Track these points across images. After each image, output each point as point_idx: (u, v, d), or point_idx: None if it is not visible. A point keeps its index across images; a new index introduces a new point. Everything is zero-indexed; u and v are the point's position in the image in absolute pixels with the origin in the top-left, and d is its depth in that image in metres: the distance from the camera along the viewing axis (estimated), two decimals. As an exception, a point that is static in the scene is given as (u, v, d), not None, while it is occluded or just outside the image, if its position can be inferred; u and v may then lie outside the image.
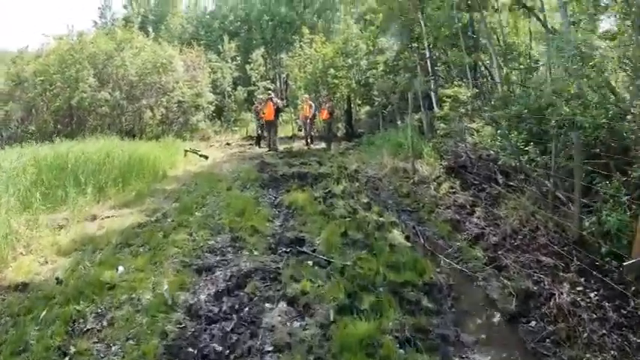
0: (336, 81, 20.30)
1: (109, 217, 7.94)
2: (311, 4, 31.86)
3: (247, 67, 24.42)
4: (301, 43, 21.76)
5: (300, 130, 18.74)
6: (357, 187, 9.88)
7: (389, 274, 5.26)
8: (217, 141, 21.66)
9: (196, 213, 7.96)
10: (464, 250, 6.26)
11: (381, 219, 7.55)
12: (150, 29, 31.51)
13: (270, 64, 30.58)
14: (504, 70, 11.30)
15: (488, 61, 13.44)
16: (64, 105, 21.96)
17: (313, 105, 17.64)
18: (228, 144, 19.31)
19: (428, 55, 14.97)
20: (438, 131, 12.13)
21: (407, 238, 6.87)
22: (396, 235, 6.90)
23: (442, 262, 5.96)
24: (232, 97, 25.74)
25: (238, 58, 27.87)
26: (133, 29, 24.70)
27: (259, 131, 17.32)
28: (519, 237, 6.21)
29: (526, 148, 7.25)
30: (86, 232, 6.93)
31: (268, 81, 23.92)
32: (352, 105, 20.80)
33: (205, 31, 33.26)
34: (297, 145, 18.36)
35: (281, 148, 17.01)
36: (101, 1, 40.44)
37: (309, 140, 17.72)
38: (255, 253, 6.12)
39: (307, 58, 21.22)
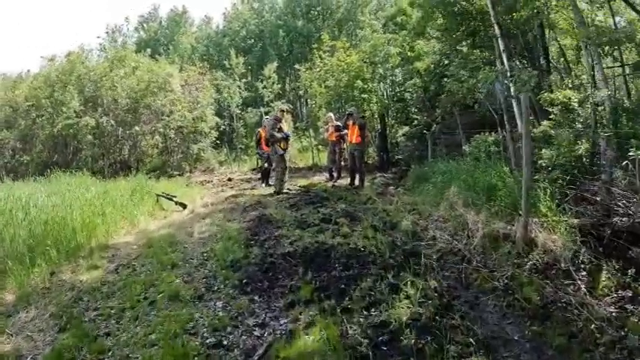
0: (364, 95, 15.50)
1: None
2: (330, 16, 27.28)
3: (259, 85, 19.64)
4: (320, 53, 16.94)
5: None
6: (439, 300, 4.65)
7: None
8: (221, 174, 17.04)
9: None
10: None
11: None
12: (161, 50, 27.57)
13: (287, 81, 26.03)
14: None
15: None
16: (54, 132, 18.36)
17: (337, 124, 12.75)
18: (229, 179, 14.55)
19: (502, 47, 10.02)
20: (542, 161, 7.25)
21: None
22: None
23: None
24: (241, 120, 21.06)
25: (249, 77, 23.51)
26: (127, 47, 20.47)
27: (265, 165, 12.37)
28: None
29: None
30: None
31: (283, 100, 19.00)
32: (387, 125, 15.80)
33: (216, 49, 29.03)
34: (318, 179, 13.50)
35: (296, 185, 12.26)
36: (110, 26, 37.11)
37: (334, 174, 12.78)
38: None
39: (328, 70, 16.42)
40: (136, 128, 18.45)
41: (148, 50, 21.69)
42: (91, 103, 19.03)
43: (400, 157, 15.12)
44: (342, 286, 4.93)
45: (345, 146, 12.60)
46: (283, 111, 10.89)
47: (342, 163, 12.92)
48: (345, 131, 12.25)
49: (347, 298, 4.64)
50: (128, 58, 20.05)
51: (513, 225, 5.84)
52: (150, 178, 16.72)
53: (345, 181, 12.41)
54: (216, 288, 5.17)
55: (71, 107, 18.39)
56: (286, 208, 8.93)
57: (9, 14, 63.36)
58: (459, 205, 7.31)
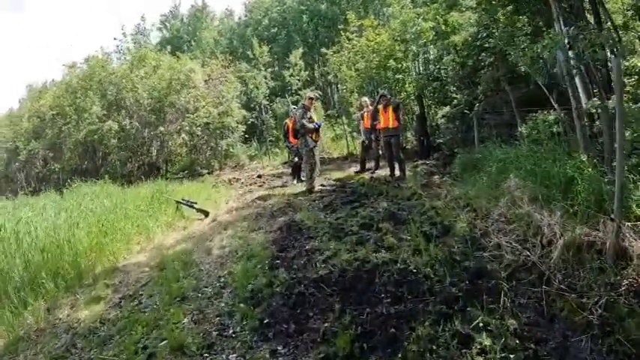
0: (399, 76, 14.11)
1: None
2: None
3: (286, 73, 18.39)
4: (347, 34, 15.57)
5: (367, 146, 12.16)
6: (523, 351, 3.40)
7: None
8: (252, 169, 15.98)
9: None
10: None
11: None
12: (185, 48, 26.72)
13: (315, 67, 24.69)
14: None
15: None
16: (80, 139, 17.69)
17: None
18: (259, 176, 13.43)
19: (557, 11, 8.52)
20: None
21: None
22: None
23: None
24: (269, 112, 19.90)
25: (276, 66, 22.29)
26: (146, 46, 19.57)
27: (295, 158, 11.22)
28: None
29: None
30: None
31: (312, 87, 17.72)
32: (425, 107, 14.36)
33: (240, 42, 27.89)
34: (354, 170, 12.25)
35: (330, 178, 11.05)
36: (127, 26, 36.53)
37: (369, 165, 11.53)
38: None
39: (357, 52, 15.05)
40: (161, 128, 17.52)
41: (168, 47, 20.73)
42: (115, 107, 18.28)
43: (441, 141, 13.67)
44: (392, 330, 3.72)
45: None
46: (312, 98, 9.66)
47: (380, 152, 11.60)
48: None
49: (399, 355, 3.40)
50: (148, 57, 19.12)
51: (598, 230, 4.48)
52: (178, 178, 16.01)
53: (383, 172, 11.15)
54: (230, 331, 4.10)
55: (93, 113, 17.66)
56: (319, 210, 7.78)
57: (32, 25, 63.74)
58: (524, 202, 5.97)
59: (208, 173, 16.52)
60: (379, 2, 23.84)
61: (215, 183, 13.40)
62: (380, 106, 10.30)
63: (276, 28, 27.30)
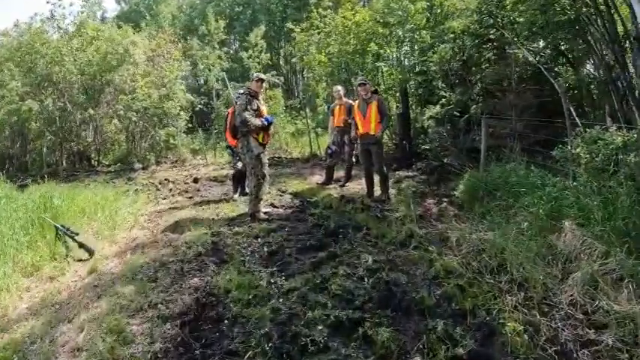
0: (380, 64, 10.99)
1: None
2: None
3: (244, 55, 14.88)
4: (319, 10, 12.32)
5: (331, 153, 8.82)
6: None
7: None
8: (193, 166, 12.65)
9: None
10: None
11: None
12: (143, 25, 22.83)
13: (281, 54, 21.30)
14: None
15: None
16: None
17: (351, 105, 8.27)
18: (195, 180, 10.06)
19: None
20: None
21: None
22: None
23: None
24: (221, 98, 16.28)
25: (235, 47, 18.85)
26: (84, 15, 15.84)
27: (238, 165, 7.70)
28: None
29: None
30: None
31: (274, 72, 14.30)
32: (411, 105, 11.22)
33: (201, 19, 24.20)
34: (319, 178, 9.10)
35: (286, 190, 7.94)
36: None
37: (341, 176, 8.50)
38: None
39: (330, 32, 11.83)
40: (91, 111, 13.92)
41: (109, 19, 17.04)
42: (46, 83, 14.54)
43: (427, 147, 10.61)
44: None
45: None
46: (261, 80, 6.32)
47: (354, 160, 8.46)
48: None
49: None
50: (87, 27, 15.36)
51: None
52: (109, 172, 12.71)
53: (356, 185, 8.09)
54: None
55: (12, 89, 13.96)
56: (261, 261, 4.65)
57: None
58: (614, 287, 3.09)
59: (143, 168, 13.05)
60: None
61: (141, 185, 10.03)
62: (355, 102, 7.25)
63: (240, 7, 23.77)
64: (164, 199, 8.35)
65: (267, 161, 6.35)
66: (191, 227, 5.88)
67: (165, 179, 10.58)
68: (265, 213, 6.34)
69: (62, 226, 5.57)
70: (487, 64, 10.36)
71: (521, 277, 4.01)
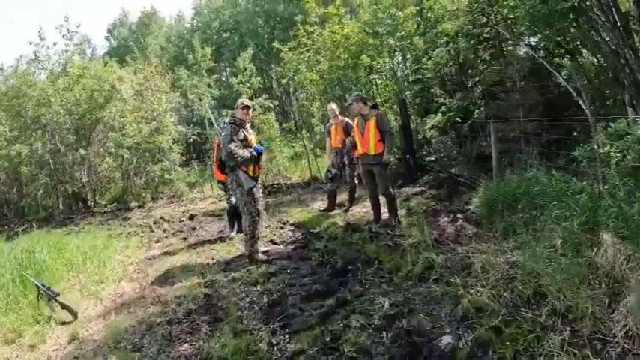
0: (374, 76, 10.44)
1: None
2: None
3: (234, 80, 14.31)
4: (306, 27, 11.77)
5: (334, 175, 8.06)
6: None
7: None
8: (190, 201, 12.08)
9: None
10: None
11: None
12: (129, 59, 22.53)
13: (272, 75, 20.79)
14: None
15: None
16: None
17: (347, 123, 7.73)
18: (191, 217, 9.45)
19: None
20: None
21: None
22: None
23: None
24: (214, 127, 15.63)
25: (225, 74, 18.35)
26: (68, 54, 15.45)
27: (232, 200, 6.92)
28: None
29: None
30: None
31: (266, 96, 13.72)
32: (411, 115, 10.57)
33: (189, 49, 23.86)
34: (320, 205, 8.50)
35: (287, 221, 7.34)
36: (79, 38, 32.03)
37: (345, 200, 7.92)
38: None
39: (319, 48, 11.30)
40: (82, 151, 13.42)
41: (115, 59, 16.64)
42: (36, 126, 14.12)
43: (432, 159, 9.97)
44: None
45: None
46: (247, 107, 5.63)
47: (356, 181, 7.83)
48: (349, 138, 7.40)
49: None
50: (73, 65, 14.95)
51: None
52: (105, 213, 12.44)
53: (361, 210, 7.47)
54: None
55: (1, 134, 13.60)
56: (260, 315, 4.04)
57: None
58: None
59: (139, 207, 12.47)
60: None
61: (135, 227, 9.45)
62: (355, 120, 6.66)
63: (227, 33, 23.40)
64: (157, 242, 7.73)
65: (260, 196, 5.69)
66: (182, 278, 5.23)
67: (161, 218, 9.99)
68: (264, 252, 5.70)
69: (43, 284, 4.95)
70: (484, 65, 9.82)
71: (563, 306, 3.36)
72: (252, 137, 5.58)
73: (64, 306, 4.83)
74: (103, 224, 10.65)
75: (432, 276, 4.38)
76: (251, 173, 5.43)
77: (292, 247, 5.97)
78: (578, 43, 8.21)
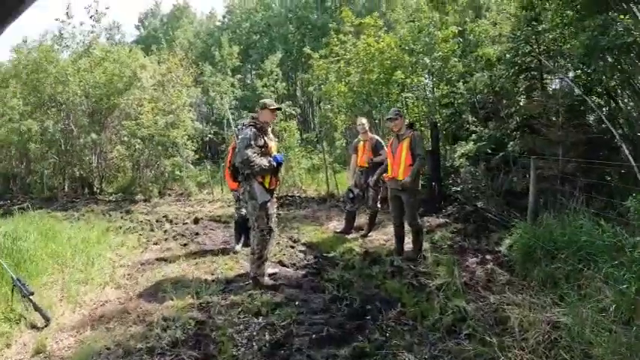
0: (407, 94, 9.80)
1: None
2: (353, 3, 21.43)
3: (258, 83, 13.71)
4: (340, 36, 11.16)
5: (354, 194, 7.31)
6: None
7: None
8: (197, 202, 11.48)
9: None
10: None
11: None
12: (154, 48, 22.25)
13: (298, 84, 20.26)
14: None
15: None
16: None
17: (377, 141, 7.07)
18: (196, 220, 8.80)
19: None
20: None
21: None
22: None
23: None
24: (232, 127, 15.02)
25: (250, 76, 17.82)
26: (95, 34, 15.06)
27: (242, 211, 6.15)
28: None
29: None
30: None
31: (289, 102, 13.07)
32: (440, 140, 9.83)
33: (217, 46, 23.44)
34: (337, 224, 7.86)
35: (299, 240, 6.71)
36: (109, 23, 31.88)
37: (364, 223, 7.27)
38: None
39: (351, 59, 10.68)
40: (93, 135, 12.94)
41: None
42: (52, 104, 13.74)
43: (458, 189, 9.26)
44: None
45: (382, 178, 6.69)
46: (273, 109, 4.96)
47: (378, 205, 7.13)
48: (382, 156, 6.65)
49: None
50: (97, 47, 14.56)
51: None
52: (110, 201, 12.27)
53: (381, 236, 6.79)
54: None
55: (14, 107, 13.20)
56: (260, 356, 3.36)
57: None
58: None
59: (145, 200, 11.90)
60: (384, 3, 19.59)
61: (135, 222, 8.87)
62: (389, 140, 6.03)
63: (257, 35, 22.93)
64: (155, 244, 7.09)
65: (274, 211, 4.98)
66: (174, 295, 4.54)
67: (164, 216, 9.39)
68: (271, 276, 5.02)
69: (18, 279, 4.33)
70: (522, 96, 9.17)
71: None
72: (272, 144, 4.90)
73: (36, 308, 4.22)
74: (104, 214, 10.17)
75: (463, 330, 3.71)
76: (267, 185, 4.75)
77: (303, 272, 5.27)
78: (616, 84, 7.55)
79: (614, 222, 5.16)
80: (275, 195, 5.03)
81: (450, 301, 4.26)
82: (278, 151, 5.03)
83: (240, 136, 4.71)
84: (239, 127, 5.07)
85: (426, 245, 6.18)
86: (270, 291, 4.59)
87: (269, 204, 4.75)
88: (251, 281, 4.80)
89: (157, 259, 6.07)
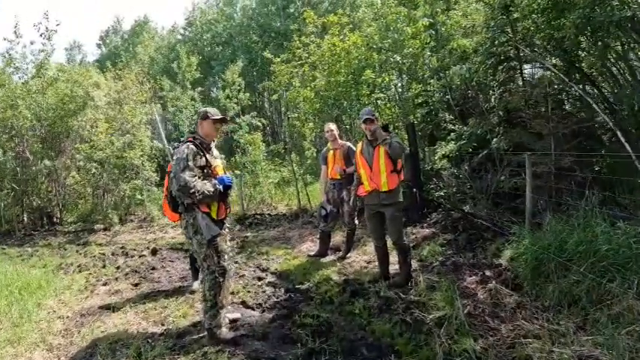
0: (379, 95, 8.95)
1: None
2: (317, 8, 20.63)
3: (221, 95, 12.70)
4: (302, 38, 10.26)
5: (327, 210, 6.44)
6: None
7: None
8: (160, 227, 10.48)
9: None
10: None
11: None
12: (109, 65, 21.08)
13: (264, 95, 19.34)
14: None
15: None
16: None
17: (349, 148, 6.14)
18: (154, 251, 7.74)
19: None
20: None
21: None
22: None
23: None
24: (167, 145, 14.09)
25: (215, 88, 16.82)
26: (46, 53, 13.82)
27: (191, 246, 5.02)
28: None
29: None
30: None
31: (254, 114, 12.08)
32: (417, 143, 8.94)
33: (177, 61, 22.42)
34: (310, 246, 6.91)
35: (268, 266, 5.76)
36: (69, 42, 30.68)
37: (341, 244, 6.34)
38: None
39: (316, 62, 9.78)
40: (46, 162, 11.79)
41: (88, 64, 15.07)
42: (5, 130, 12.52)
43: (442, 193, 8.41)
44: None
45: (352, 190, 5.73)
46: (215, 120, 3.82)
47: (356, 222, 6.20)
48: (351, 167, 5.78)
49: None
50: (49, 67, 13.36)
51: None
52: (69, 232, 11.11)
53: (361, 258, 5.89)
54: None
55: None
56: None
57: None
58: None
59: (104, 229, 10.80)
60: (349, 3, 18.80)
61: (89, 257, 7.80)
62: (358, 146, 5.10)
63: (220, 47, 21.94)
64: (105, 284, 6.01)
65: (227, 246, 3.90)
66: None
67: (122, 247, 8.33)
68: (231, 323, 4.00)
69: None
70: (501, 88, 8.44)
71: None
72: (218, 163, 3.87)
73: None
74: (60, 248, 9.09)
75: None
76: (215, 215, 3.71)
77: (271, 315, 4.25)
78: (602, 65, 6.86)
79: (629, 221, 4.40)
80: (228, 223, 4.02)
81: (454, 341, 3.37)
82: (225, 172, 3.99)
83: (175, 157, 3.66)
84: (173, 146, 4.02)
85: (414, 264, 5.29)
86: (229, 346, 3.59)
87: (218, 239, 3.68)
88: (206, 333, 3.78)
89: (101, 307, 5.00)
